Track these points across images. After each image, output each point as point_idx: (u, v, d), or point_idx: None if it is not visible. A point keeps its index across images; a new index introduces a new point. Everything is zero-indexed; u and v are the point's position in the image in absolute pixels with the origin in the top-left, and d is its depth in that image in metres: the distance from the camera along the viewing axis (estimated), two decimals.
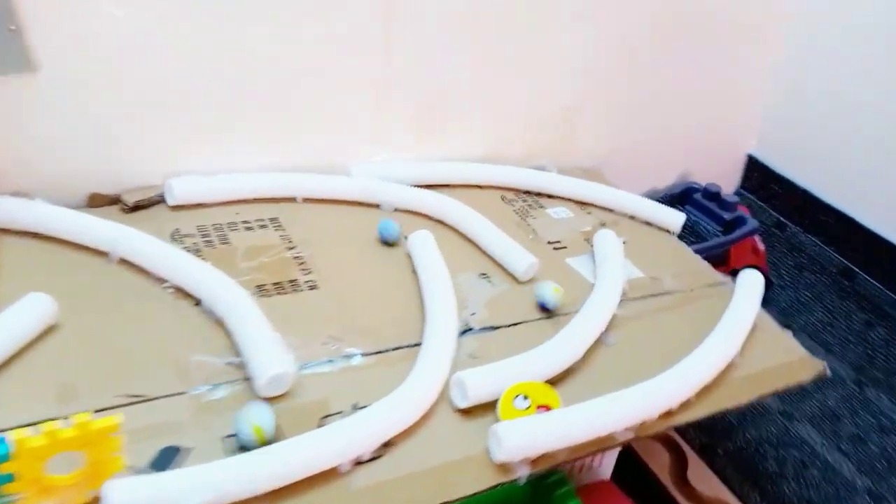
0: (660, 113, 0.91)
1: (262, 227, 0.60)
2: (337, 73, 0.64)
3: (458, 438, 0.44)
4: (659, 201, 0.93)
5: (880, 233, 0.87)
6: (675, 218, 0.75)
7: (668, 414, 0.49)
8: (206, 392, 0.43)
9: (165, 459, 0.38)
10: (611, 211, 0.76)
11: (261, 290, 0.53)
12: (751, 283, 0.64)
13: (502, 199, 0.73)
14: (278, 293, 0.53)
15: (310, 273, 0.56)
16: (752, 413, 0.79)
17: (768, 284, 0.95)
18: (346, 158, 0.69)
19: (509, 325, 0.55)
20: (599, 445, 0.46)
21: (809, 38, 0.92)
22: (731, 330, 0.57)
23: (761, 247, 0.95)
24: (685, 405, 0.51)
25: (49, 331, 0.45)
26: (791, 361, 0.59)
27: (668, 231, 0.75)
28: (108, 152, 0.58)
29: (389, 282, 0.57)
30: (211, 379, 0.44)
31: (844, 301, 0.91)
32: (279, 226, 0.61)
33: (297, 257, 0.57)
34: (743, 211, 0.95)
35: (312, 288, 0.54)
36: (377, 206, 0.67)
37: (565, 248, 0.67)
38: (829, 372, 0.60)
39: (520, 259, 0.60)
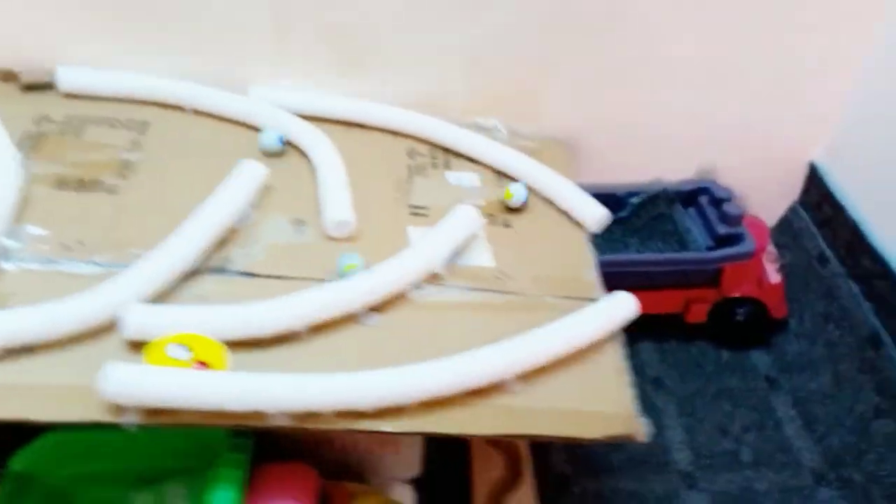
0: (682, 84, 0.74)
1: (127, 128, 0.62)
2: None
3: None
4: (656, 196, 0.79)
5: None
6: (596, 214, 0.62)
7: (358, 415, 0.43)
8: None
9: None
10: (529, 190, 0.65)
11: (61, 184, 0.55)
12: (609, 307, 0.52)
13: (407, 152, 0.67)
14: (76, 190, 0.55)
15: (124, 179, 0.57)
16: (649, 460, 0.66)
17: (775, 327, 0.77)
18: (252, 80, 0.68)
19: (275, 277, 0.51)
20: (248, 420, 0.42)
21: None
22: (516, 348, 0.47)
23: (774, 279, 0.76)
24: (394, 412, 0.44)
25: None
26: (601, 412, 0.47)
27: (582, 227, 0.63)
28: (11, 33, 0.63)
29: (193, 205, 0.55)
30: None
31: (862, 374, 0.70)
32: (144, 130, 0.62)
33: (128, 161, 0.58)
34: (756, 228, 0.76)
35: (111, 192, 0.55)
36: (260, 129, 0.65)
37: (426, 216, 0.59)
38: (644, 438, 0.47)
39: (334, 213, 0.55)
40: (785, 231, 0.84)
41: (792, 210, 0.83)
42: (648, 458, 0.66)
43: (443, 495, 0.62)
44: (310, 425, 0.43)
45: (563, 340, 0.49)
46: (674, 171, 0.80)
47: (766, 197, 0.83)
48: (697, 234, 0.75)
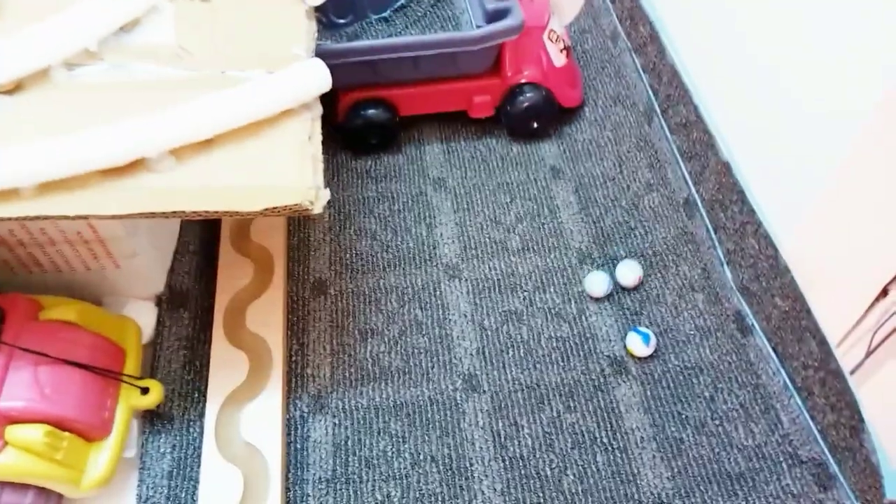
0: None
1: None
2: None
3: None
4: None
5: (683, 72, 0.60)
6: None
7: None
8: None
9: None
10: None
11: None
12: (291, 77, 0.46)
13: None
14: None
15: None
16: (415, 257, 0.63)
17: (570, 115, 0.73)
18: None
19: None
20: None
21: None
22: (157, 123, 0.41)
23: (559, 62, 0.70)
24: (9, 195, 0.39)
25: None
26: (269, 185, 0.43)
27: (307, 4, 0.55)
28: None
29: None
30: None
31: (639, 151, 0.67)
32: None
33: None
34: (536, 6, 0.69)
35: None
36: None
37: None
38: (319, 210, 0.43)
39: None
40: (588, 12, 0.78)
41: None
42: (415, 255, 0.64)
43: (190, 309, 0.59)
44: None
45: (223, 113, 0.43)
46: None
47: None
48: (472, 14, 0.68)
